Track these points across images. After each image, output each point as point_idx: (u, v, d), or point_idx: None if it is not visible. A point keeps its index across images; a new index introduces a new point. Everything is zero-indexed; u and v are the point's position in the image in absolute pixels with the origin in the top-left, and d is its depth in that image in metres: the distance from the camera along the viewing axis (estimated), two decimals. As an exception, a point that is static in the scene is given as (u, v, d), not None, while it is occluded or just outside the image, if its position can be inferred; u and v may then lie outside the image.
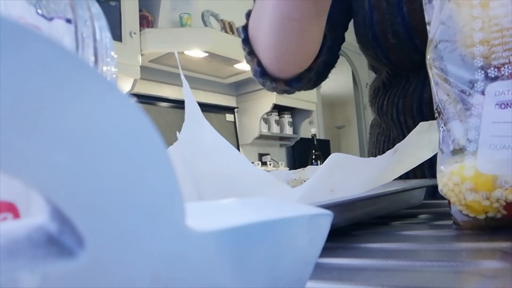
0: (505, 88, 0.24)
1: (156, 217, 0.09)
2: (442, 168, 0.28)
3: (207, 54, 2.03)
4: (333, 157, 0.32)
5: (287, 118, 2.72)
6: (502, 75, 0.24)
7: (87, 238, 0.08)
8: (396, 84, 0.60)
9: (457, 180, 0.26)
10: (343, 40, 0.62)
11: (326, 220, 0.13)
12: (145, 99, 2.05)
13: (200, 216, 0.11)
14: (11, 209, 0.17)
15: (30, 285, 0.08)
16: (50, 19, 0.19)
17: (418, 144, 0.37)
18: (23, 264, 0.08)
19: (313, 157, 2.65)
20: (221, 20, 2.17)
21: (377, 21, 0.54)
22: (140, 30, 1.90)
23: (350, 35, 0.62)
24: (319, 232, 0.13)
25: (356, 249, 0.26)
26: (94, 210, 0.08)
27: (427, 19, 0.28)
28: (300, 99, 2.56)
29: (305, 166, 0.54)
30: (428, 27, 0.28)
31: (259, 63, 0.53)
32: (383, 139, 0.65)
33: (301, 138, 2.80)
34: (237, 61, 2.16)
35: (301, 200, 0.31)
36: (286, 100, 2.53)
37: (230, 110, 2.53)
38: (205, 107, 2.28)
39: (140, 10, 1.93)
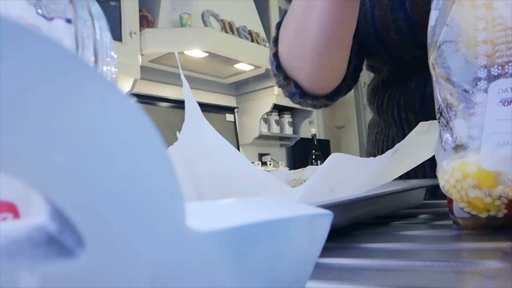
0: (509, 86, 0.24)
1: (156, 217, 0.09)
2: (443, 164, 0.28)
3: (207, 54, 2.03)
4: (333, 157, 0.32)
5: (287, 118, 2.72)
6: (506, 72, 0.25)
7: (87, 238, 0.08)
8: (397, 81, 0.60)
9: (459, 176, 0.26)
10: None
11: (326, 220, 0.13)
12: (145, 99, 2.05)
13: (200, 216, 0.11)
14: (11, 209, 0.17)
15: (30, 285, 0.08)
16: (50, 19, 0.19)
17: (418, 144, 0.37)
18: (23, 264, 0.08)
19: (313, 157, 2.65)
20: (221, 20, 2.17)
21: (379, 17, 0.54)
22: (140, 30, 1.90)
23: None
24: (319, 232, 0.13)
25: (356, 249, 0.26)
26: (94, 210, 0.08)
27: (429, 22, 0.29)
28: (300, 99, 2.56)
29: (305, 166, 0.54)
30: (430, 29, 0.29)
31: (297, 85, 0.53)
32: (382, 138, 0.65)
33: (301, 138, 2.80)
34: (237, 61, 2.16)
35: (301, 200, 0.31)
36: (286, 100, 2.52)
37: (230, 110, 2.53)
38: (205, 107, 2.28)
39: (140, 10, 1.93)
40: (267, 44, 2.40)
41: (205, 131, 0.37)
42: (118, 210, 0.08)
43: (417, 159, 0.37)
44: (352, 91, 0.61)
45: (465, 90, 0.26)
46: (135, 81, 1.86)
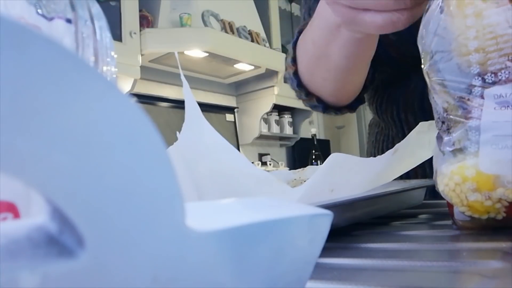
0: (503, 91, 0.25)
1: (156, 217, 0.09)
2: (442, 168, 0.28)
3: (207, 54, 2.03)
4: (333, 157, 0.32)
5: (287, 118, 2.72)
6: (500, 80, 0.25)
7: (87, 238, 0.08)
8: (396, 82, 0.60)
9: (459, 180, 0.26)
10: None
11: (326, 220, 0.13)
12: (145, 99, 2.05)
13: (200, 216, 0.11)
14: (11, 209, 0.17)
15: (30, 285, 0.08)
16: (50, 19, 0.19)
17: (418, 144, 0.37)
18: (23, 264, 0.08)
19: (313, 157, 2.65)
20: (221, 20, 2.17)
21: None
22: (140, 30, 1.90)
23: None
24: (319, 232, 0.13)
25: (356, 249, 0.26)
26: (94, 210, 0.08)
27: (420, 32, 0.29)
28: (300, 99, 2.56)
29: (305, 166, 0.54)
30: (421, 39, 0.29)
31: (319, 100, 0.54)
32: (382, 138, 0.66)
33: (301, 138, 2.80)
34: (237, 61, 2.16)
35: (301, 200, 0.31)
36: (286, 100, 2.53)
37: (230, 110, 2.53)
38: (205, 107, 2.28)
39: (140, 10, 1.93)
40: (267, 44, 2.40)
41: (205, 131, 0.37)
42: (118, 210, 0.08)
43: (417, 159, 0.37)
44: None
45: (461, 97, 0.26)
46: (135, 81, 1.86)
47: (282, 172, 0.55)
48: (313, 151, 2.67)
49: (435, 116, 0.29)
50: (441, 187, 0.28)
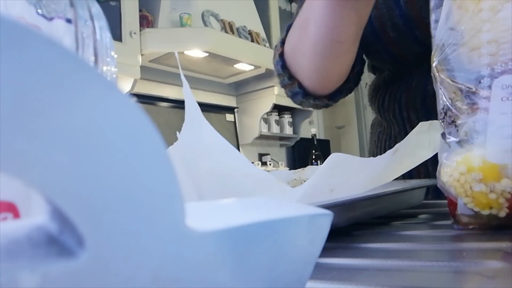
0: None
1: (156, 217, 0.09)
2: (447, 160, 0.28)
3: (207, 54, 2.03)
4: (333, 157, 0.32)
5: (287, 118, 2.72)
6: (509, 69, 0.25)
7: (87, 238, 0.08)
8: (398, 80, 0.60)
9: (463, 170, 0.27)
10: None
11: (326, 220, 0.13)
12: (145, 99, 2.05)
13: (200, 216, 0.11)
14: (11, 209, 0.17)
15: (30, 285, 0.08)
16: (50, 19, 0.19)
17: (418, 144, 0.37)
18: (23, 264, 0.08)
19: (313, 157, 2.65)
20: (221, 20, 2.17)
21: (376, 17, 0.54)
22: (140, 30, 1.90)
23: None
24: (319, 232, 0.13)
25: (356, 249, 0.26)
26: (94, 210, 0.08)
27: (432, 24, 0.29)
28: (300, 99, 2.56)
29: (305, 166, 0.54)
30: (433, 32, 0.29)
31: (301, 85, 0.54)
32: (384, 138, 0.65)
33: (301, 138, 2.80)
34: (237, 61, 2.16)
35: (301, 200, 0.31)
36: (286, 100, 2.52)
37: (230, 110, 2.53)
38: (205, 107, 2.28)
39: (140, 10, 1.93)
40: (267, 44, 2.39)
41: (205, 131, 0.37)
42: (118, 210, 0.08)
43: (417, 159, 0.37)
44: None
45: (468, 88, 0.27)
46: (135, 81, 1.86)
47: (282, 172, 0.55)
48: (313, 151, 2.67)
49: (439, 106, 0.29)
50: (445, 178, 0.28)
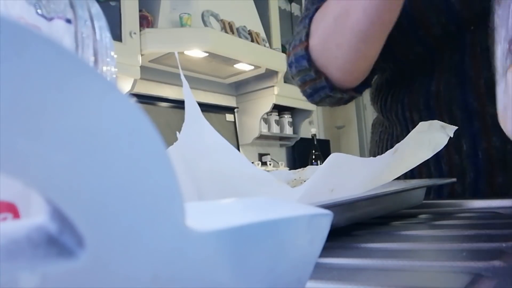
0: None
1: (156, 217, 0.09)
2: None
3: (207, 54, 2.03)
4: (333, 157, 0.32)
5: (287, 118, 2.72)
6: None
7: (87, 238, 0.08)
8: (401, 80, 0.60)
9: None
10: None
11: (326, 220, 0.13)
12: (145, 99, 2.05)
13: (200, 216, 0.11)
14: (11, 209, 0.17)
15: (30, 285, 0.08)
16: (50, 19, 0.19)
17: (418, 144, 0.37)
18: (23, 264, 0.08)
19: (313, 157, 2.65)
20: (221, 20, 2.17)
21: None
22: (140, 30, 1.90)
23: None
24: (319, 232, 0.13)
25: (356, 249, 0.26)
26: (94, 210, 0.08)
27: (496, 24, 0.28)
28: (300, 99, 2.55)
29: (305, 166, 0.54)
30: (496, 34, 0.28)
31: (327, 79, 0.53)
32: (386, 138, 0.65)
33: (301, 138, 2.80)
34: (237, 61, 2.16)
35: (301, 200, 0.31)
36: (286, 100, 2.53)
37: (230, 110, 2.53)
38: (205, 107, 2.28)
39: (140, 10, 1.93)
40: (267, 44, 2.39)
41: (205, 131, 0.37)
42: (118, 210, 0.08)
43: (417, 159, 0.37)
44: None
45: None
46: (135, 81, 1.86)
47: (282, 172, 0.55)
48: (313, 151, 2.67)
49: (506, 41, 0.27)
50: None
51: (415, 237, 0.28)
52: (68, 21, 0.19)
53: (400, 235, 0.29)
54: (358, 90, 0.56)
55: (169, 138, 0.31)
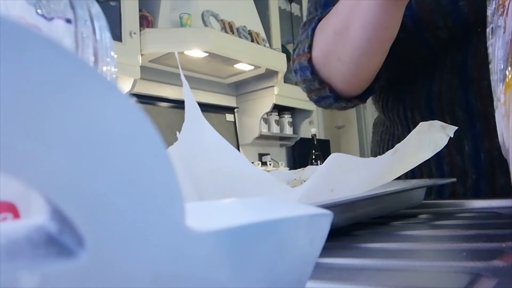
0: None
1: (156, 217, 0.09)
2: None
3: (207, 54, 2.03)
4: (333, 157, 0.32)
5: (287, 118, 2.72)
6: None
7: (87, 238, 0.08)
8: (403, 80, 0.59)
9: None
10: None
11: (326, 220, 0.13)
12: (145, 99, 2.05)
13: (200, 216, 0.11)
14: (11, 209, 0.17)
15: (30, 285, 0.08)
16: (50, 19, 0.19)
17: (418, 144, 0.37)
18: (23, 264, 0.08)
19: (313, 157, 2.65)
20: (221, 20, 2.17)
21: None
22: (140, 30, 1.90)
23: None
24: (319, 232, 0.13)
25: (356, 249, 0.26)
26: (94, 210, 0.08)
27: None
28: (300, 99, 2.56)
29: (305, 166, 0.54)
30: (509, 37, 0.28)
31: (331, 90, 0.54)
32: (387, 137, 0.65)
33: (301, 138, 2.80)
34: (237, 61, 2.16)
35: (301, 200, 0.31)
36: (286, 100, 2.53)
37: (230, 110, 2.53)
38: (205, 107, 2.28)
39: (140, 10, 1.93)
40: (267, 44, 2.39)
41: (205, 131, 0.37)
42: (118, 210, 0.08)
43: (417, 159, 0.37)
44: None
45: None
46: (135, 81, 1.86)
47: (282, 172, 0.55)
48: (313, 151, 2.67)
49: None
50: None
51: (415, 237, 0.28)
52: (68, 21, 0.19)
53: (400, 235, 0.29)
54: (363, 97, 0.57)
55: (169, 138, 0.31)
